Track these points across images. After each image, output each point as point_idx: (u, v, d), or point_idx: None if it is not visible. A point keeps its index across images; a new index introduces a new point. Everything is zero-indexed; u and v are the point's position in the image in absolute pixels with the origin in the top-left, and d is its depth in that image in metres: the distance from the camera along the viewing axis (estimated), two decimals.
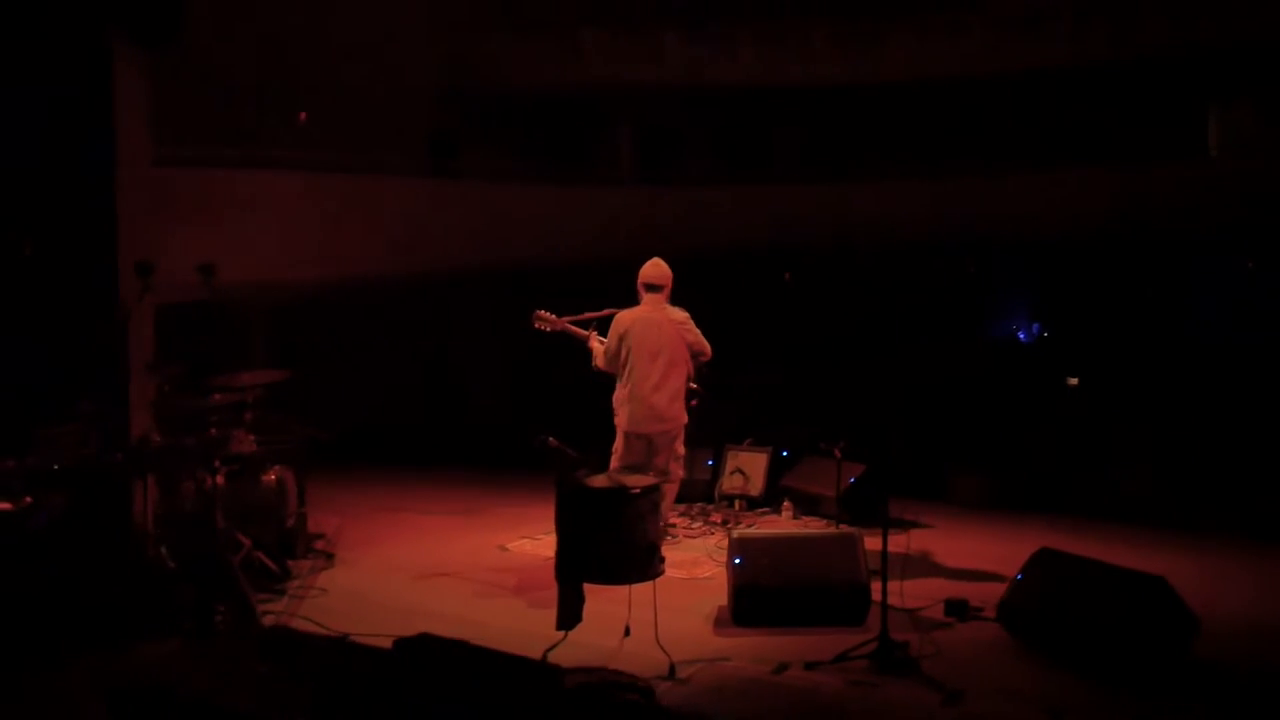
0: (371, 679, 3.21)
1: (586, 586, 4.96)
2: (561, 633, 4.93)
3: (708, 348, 6.93)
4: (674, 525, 7.35)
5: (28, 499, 5.89)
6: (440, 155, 14.17)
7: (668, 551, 6.82)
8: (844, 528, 7.37)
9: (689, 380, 6.92)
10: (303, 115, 14.27)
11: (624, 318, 6.81)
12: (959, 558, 6.82)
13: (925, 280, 16.76)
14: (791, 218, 16.31)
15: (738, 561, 5.51)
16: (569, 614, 4.88)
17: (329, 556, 6.79)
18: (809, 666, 4.85)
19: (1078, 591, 4.97)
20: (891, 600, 5.77)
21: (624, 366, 6.78)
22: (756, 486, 7.99)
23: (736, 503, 7.95)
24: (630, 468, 6.92)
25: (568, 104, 16.05)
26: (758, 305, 16.43)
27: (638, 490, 4.80)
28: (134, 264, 5.93)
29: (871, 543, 7.01)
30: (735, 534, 5.82)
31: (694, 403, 7.44)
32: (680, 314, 6.90)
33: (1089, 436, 11.19)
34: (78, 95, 8.42)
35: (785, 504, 7.64)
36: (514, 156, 15.31)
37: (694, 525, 7.44)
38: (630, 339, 6.71)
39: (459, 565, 6.64)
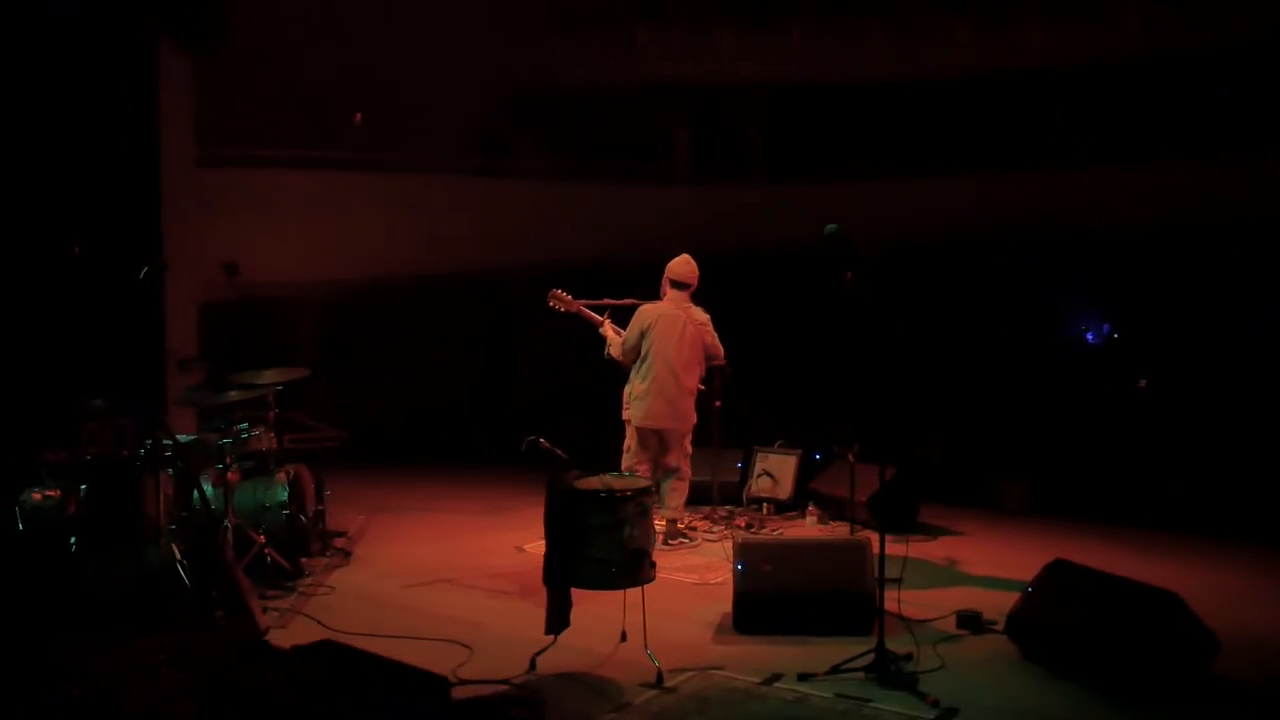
0: (257, 685, 3.18)
1: (590, 590, 4.87)
2: (550, 637, 4.85)
3: (722, 351, 6.90)
4: (694, 528, 7.24)
5: (59, 491, 6.07)
6: (492, 154, 14.22)
7: (686, 555, 6.75)
8: (866, 533, 7.22)
9: (699, 381, 6.90)
10: (358, 116, 14.43)
11: (648, 311, 6.78)
12: (987, 567, 6.60)
13: (990, 279, 16.32)
14: (853, 216, 16.00)
15: (739, 567, 5.38)
16: (557, 618, 4.80)
17: (346, 554, 6.82)
18: (801, 678, 4.69)
19: (1088, 606, 4.73)
20: (905, 611, 5.61)
21: (642, 360, 6.75)
22: (785, 490, 7.84)
23: (765, 506, 7.81)
24: (629, 470, 6.87)
25: (623, 102, 15.96)
26: (816, 304, 16.15)
27: (626, 494, 4.70)
28: (146, 264, 5.99)
29: (896, 548, 6.87)
30: (739, 539, 5.68)
31: (718, 404, 7.35)
32: (702, 314, 6.85)
33: (1152, 442, 10.77)
34: (123, 99, 8.65)
35: (810, 508, 7.46)
36: (568, 155, 15.28)
37: (715, 528, 7.31)
38: (653, 334, 6.69)
39: (473, 565, 6.61)
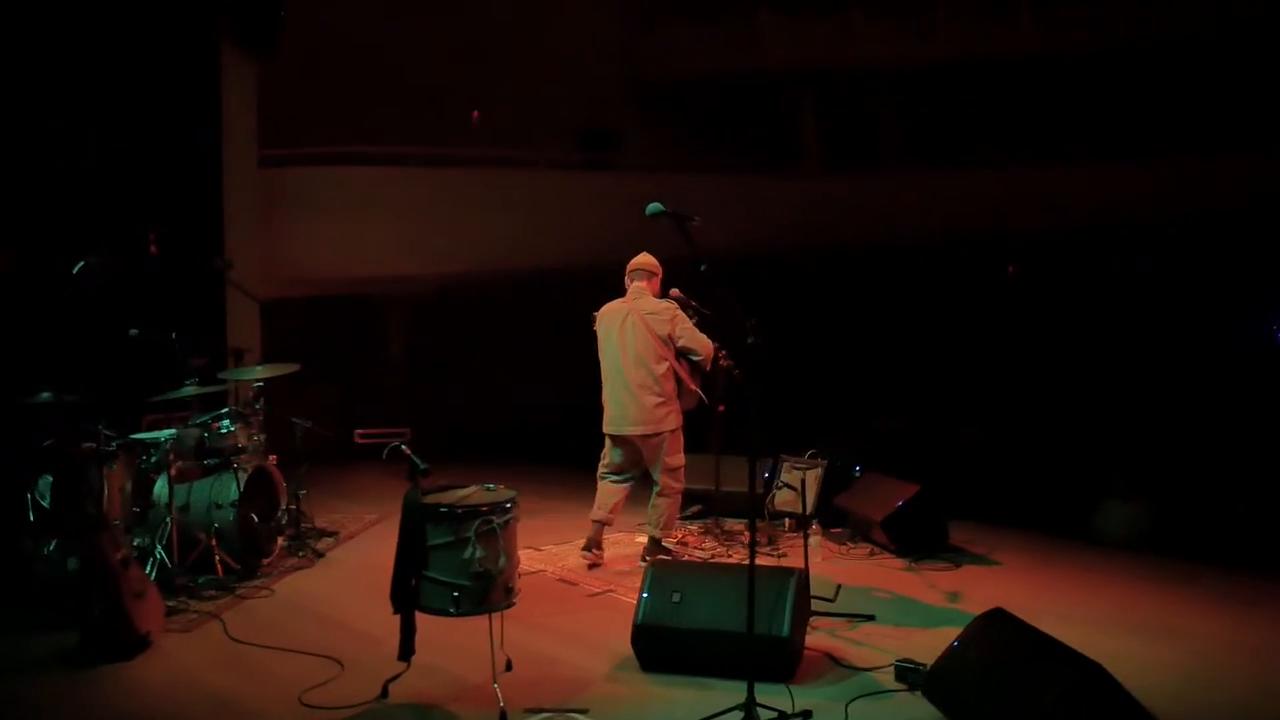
0: None
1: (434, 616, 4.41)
2: (403, 664, 4.44)
3: (700, 346, 6.16)
4: (684, 544, 6.63)
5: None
6: (599, 147, 13.90)
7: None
8: (883, 557, 6.47)
9: (678, 380, 6.22)
10: (475, 114, 14.46)
11: (600, 311, 6.26)
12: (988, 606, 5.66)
13: (1167, 269, 14.65)
14: (1001, 206, 14.77)
15: (644, 595, 4.79)
16: (405, 643, 4.38)
17: (319, 555, 6.65)
18: None
19: (1008, 669, 3.87)
20: (851, 654, 4.88)
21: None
22: (808, 504, 7.08)
23: (787, 521, 7.11)
24: (601, 476, 6.38)
25: (745, 90, 15.28)
26: (954, 299, 14.99)
27: (470, 510, 4.23)
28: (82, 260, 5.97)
29: (907, 577, 6.06)
30: (650, 562, 5.08)
31: (720, 408, 6.72)
32: (657, 304, 6.18)
33: None
34: (188, 105, 8.88)
35: (814, 527, 6.69)
36: (685, 147, 14.78)
37: (705, 544, 6.67)
38: (599, 332, 6.17)
39: None
